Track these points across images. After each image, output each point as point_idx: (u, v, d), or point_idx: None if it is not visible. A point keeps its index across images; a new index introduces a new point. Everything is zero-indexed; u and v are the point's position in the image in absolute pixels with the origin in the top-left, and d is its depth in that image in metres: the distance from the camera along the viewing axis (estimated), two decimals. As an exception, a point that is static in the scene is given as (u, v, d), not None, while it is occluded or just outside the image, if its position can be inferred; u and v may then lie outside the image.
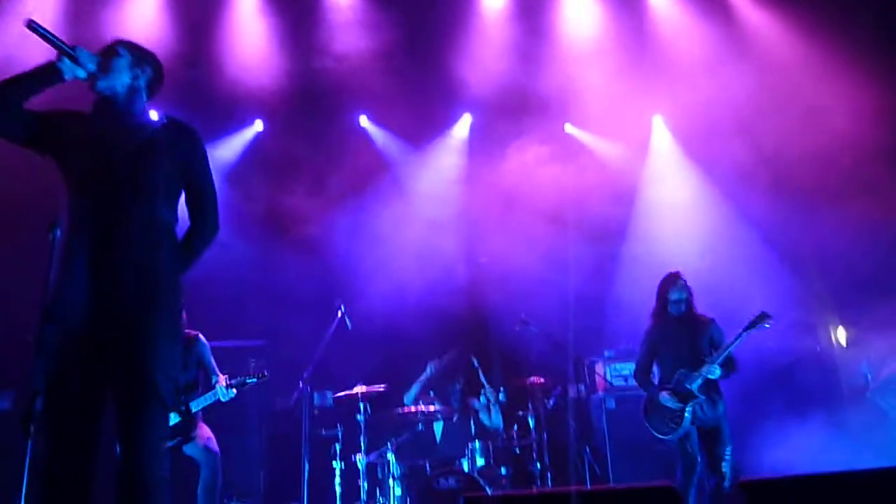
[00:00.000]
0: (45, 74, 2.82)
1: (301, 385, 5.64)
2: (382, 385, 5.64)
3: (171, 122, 3.01)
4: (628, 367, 6.37)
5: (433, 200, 7.23)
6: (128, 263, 2.77)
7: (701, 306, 5.25)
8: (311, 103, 7.07)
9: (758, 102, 6.49)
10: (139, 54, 3.02)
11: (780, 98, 6.47)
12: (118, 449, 2.69)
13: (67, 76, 2.83)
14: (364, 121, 7.55)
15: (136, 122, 2.96)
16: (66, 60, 2.81)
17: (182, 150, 2.98)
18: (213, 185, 3.09)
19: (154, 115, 3.07)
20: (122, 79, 2.94)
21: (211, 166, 3.09)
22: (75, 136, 2.90)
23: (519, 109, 6.98)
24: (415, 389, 6.05)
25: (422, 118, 7.28)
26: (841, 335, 6.76)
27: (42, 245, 2.80)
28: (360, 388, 5.52)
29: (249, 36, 6.62)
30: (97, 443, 2.73)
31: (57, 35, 2.81)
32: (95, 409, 2.75)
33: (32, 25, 2.74)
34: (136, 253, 2.78)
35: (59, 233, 2.74)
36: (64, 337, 2.71)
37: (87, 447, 2.72)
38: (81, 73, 2.85)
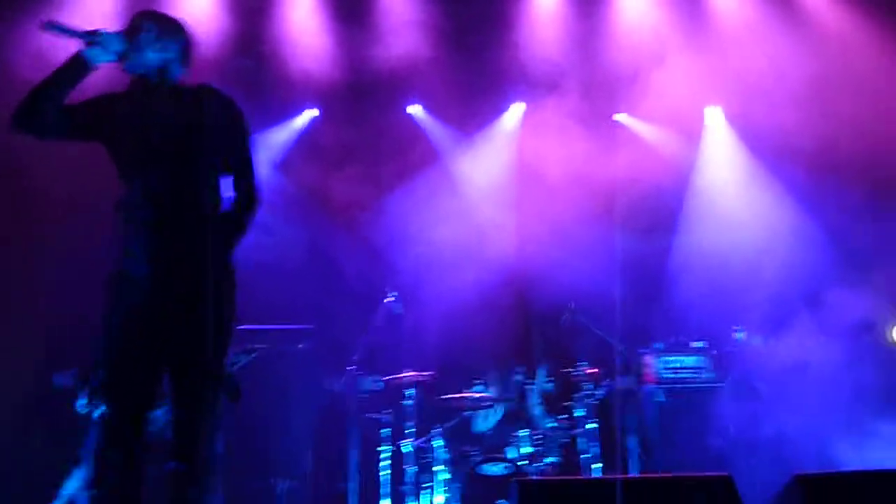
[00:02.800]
0: (75, 68, 2.80)
1: (349, 368, 5.71)
2: (430, 371, 5.66)
3: (210, 93, 2.92)
4: (679, 360, 6.28)
5: (483, 189, 7.20)
6: (180, 245, 2.81)
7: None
8: (363, 91, 7.08)
9: (817, 86, 6.29)
10: (165, 25, 2.97)
11: (843, 82, 6.27)
12: (172, 425, 2.79)
13: (96, 62, 2.81)
14: (415, 109, 7.55)
15: (173, 96, 2.94)
16: (93, 48, 2.78)
17: (222, 121, 2.91)
18: (252, 155, 3.05)
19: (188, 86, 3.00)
20: (151, 54, 2.89)
21: (251, 137, 3.04)
22: (117, 119, 2.90)
23: (571, 98, 6.89)
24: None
25: (473, 107, 7.23)
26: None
27: (105, 226, 2.88)
28: (408, 373, 5.55)
29: (304, 23, 6.66)
30: (152, 410, 2.83)
31: (75, 27, 2.79)
32: (152, 381, 2.86)
33: (49, 26, 2.73)
34: (187, 233, 2.79)
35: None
36: (125, 315, 2.80)
37: (144, 416, 2.82)
38: (110, 57, 2.82)
